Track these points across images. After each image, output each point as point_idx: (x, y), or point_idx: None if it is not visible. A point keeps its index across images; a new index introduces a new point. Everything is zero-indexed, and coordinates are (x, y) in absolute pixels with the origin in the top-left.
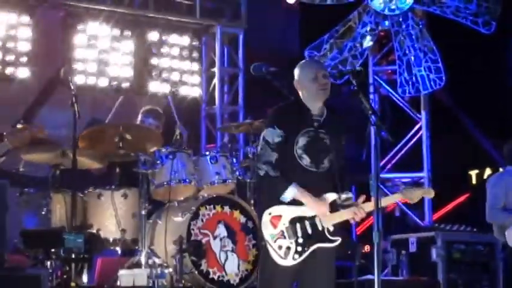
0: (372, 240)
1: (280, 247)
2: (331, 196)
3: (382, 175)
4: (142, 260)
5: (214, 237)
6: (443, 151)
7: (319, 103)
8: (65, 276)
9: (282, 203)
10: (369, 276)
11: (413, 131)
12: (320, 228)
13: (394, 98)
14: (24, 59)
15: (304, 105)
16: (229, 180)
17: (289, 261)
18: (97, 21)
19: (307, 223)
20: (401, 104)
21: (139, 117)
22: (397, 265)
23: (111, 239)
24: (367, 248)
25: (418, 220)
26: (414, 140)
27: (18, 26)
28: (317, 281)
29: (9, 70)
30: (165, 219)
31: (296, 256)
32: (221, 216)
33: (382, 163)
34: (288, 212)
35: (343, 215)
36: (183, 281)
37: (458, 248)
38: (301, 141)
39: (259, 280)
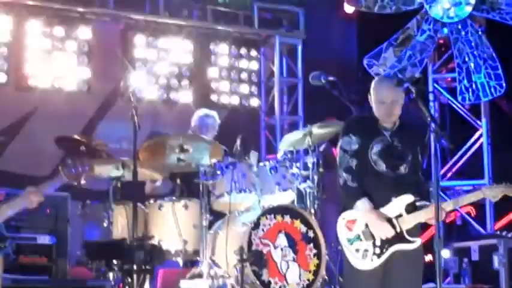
0: (433, 249)
1: (357, 250)
2: (408, 198)
3: (443, 183)
4: (204, 270)
5: (275, 247)
6: (505, 158)
7: (388, 122)
8: None
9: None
10: (431, 285)
11: (473, 139)
12: (398, 230)
13: (454, 106)
14: (84, 73)
15: (375, 117)
16: (290, 190)
17: (367, 264)
18: (156, 34)
19: None
20: (461, 112)
21: (195, 121)
22: (459, 273)
23: (172, 250)
24: (430, 258)
25: (480, 228)
26: (475, 147)
27: (78, 39)
28: (404, 284)
29: (70, 84)
30: (225, 229)
31: (374, 258)
32: (282, 225)
33: (442, 171)
34: (363, 216)
35: (420, 216)
36: None
37: None
38: (376, 147)
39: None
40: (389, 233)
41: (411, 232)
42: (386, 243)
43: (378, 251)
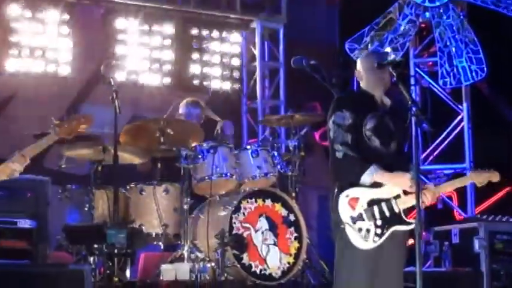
0: (414, 232)
1: (360, 229)
2: None
3: (424, 167)
4: (185, 254)
5: (256, 231)
6: (486, 142)
7: (380, 92)
8: (107, 272)
9: (358, 185)
10: (412, 268)
11: (454, 123)
12: (397, 210)
13: (436, 90)
14: (65, 56)
15: (366, 92)
16: (271, 174)
17: (370, 244)
18: (138, 18)
19: (383, 205)
20: (442, 96)
21: (182, 108)
22: (440, 256)
23: (153, 234)
24: (411, 241)
25: (461, 212)
26: (456, 131)
27: (59, 23)
28: (392, 265)
29: (50, 68)
30: (207, 213)
31: (376, 238)
32: (263, 209)
33: (423, 155)
34: (365, 194)
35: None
36: (225, 275)
37: (501, 239)
38: (370, 123)
39: (338, 265)
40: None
41: (407, 213)
42: (387, 223)
43: (379, 231)
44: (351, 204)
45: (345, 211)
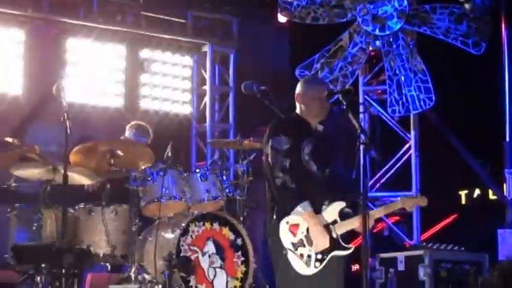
0: (360, 259)
1: (302, 255)
2: (341, 204)
3: (371, 194)
4: (132, 275)
5: (203, 254)
6: (433, 171)
7: (317, 120)
8: None
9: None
10: None
11: (402, 151)
12: (334, 236)
13: (384, 118)
14: (16, 75)
15: (302, 118)
16: (219, 198)
17: (311, 270)
18: (89, 39)
19: None
20: (391, 124)
21: (129, 132)
22: (385, 283)
23: (101, 255)
24: (356, 267)
25: (406, 239)
26: (403, 159)
27: (11, 42)
28: None
29: (1, 86)
30: (155, 235)
31: (317, 264)
32: (210, 233)
33: (371, 182)
34: (304, 221)
35: (353, 223)
36: None
37: (446, 267)
38: (307, 148)
39: None
40: (324, 245)
41: (344, 238)
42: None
43: (319, 256)
44: (291, 230)
45: (286, 237)
